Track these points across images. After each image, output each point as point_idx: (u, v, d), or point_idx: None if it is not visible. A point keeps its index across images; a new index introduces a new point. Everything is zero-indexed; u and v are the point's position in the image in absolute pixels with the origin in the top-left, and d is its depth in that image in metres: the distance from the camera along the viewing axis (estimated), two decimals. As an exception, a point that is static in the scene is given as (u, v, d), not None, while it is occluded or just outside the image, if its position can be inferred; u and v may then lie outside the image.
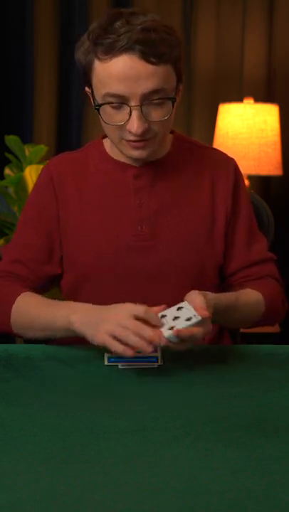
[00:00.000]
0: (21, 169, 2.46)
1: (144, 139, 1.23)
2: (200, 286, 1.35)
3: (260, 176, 2.71)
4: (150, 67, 1.18)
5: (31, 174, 2.34)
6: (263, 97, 2.80)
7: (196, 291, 1.15)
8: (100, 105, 1.23)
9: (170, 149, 1.37)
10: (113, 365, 1.13)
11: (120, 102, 1.20)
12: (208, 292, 1.17)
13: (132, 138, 1.23)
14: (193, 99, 2.82)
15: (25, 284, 1.33)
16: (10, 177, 2.43)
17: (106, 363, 1.13)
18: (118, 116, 1.22)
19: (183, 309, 1.11)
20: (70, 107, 2.83)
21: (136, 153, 1.27)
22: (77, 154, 1.42)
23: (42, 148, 2.48)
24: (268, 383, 1.06)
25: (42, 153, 2.48)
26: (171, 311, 1.12)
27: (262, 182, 2.86)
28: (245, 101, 2.62)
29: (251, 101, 2.62)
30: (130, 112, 1.20)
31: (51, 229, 1.36)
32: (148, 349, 1.05)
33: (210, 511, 0.68)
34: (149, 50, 1.17)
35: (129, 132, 1.22)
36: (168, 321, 1.09)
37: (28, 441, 0.84)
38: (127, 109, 1.21)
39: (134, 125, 1.20)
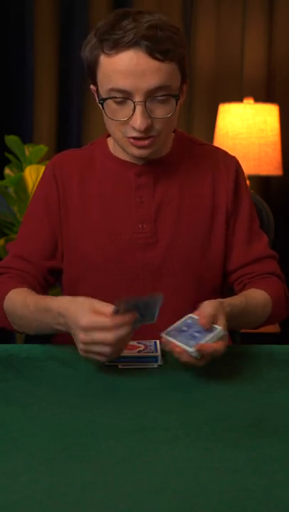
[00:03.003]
0: (21, 169, 2.47)
1: (146, 136, 1.23)
2: (201, 283, 1.35)
3: (260, 176, 2.71)
4: (155, 63, 1.18)
5: (31, 174, 2.35)
6: (263, 97, 2.80)
7: (211, 302, 1.13)
8: (105, 99, 1.23)
9: (172, 148, 1.37)
10: (113, 365, 1.13)
11: (124, 97, 1.20)
12: (223, 300, 1.16)
13: (134, 134, 1.23)
14: (193, 99, 2.82)
15: (25, 280, 1.33)
16: (10, 177, 2.43)
17: (106, 362, 1.13)
18: (122, 112, 1.22)
19: (192, 322, 1.10)
20: (70, 107, 2.83)
21: (138, 152, 1.27)
22: (81, 152, 1.43)
23: (42, 148, 2.49)
24: (268, 383, 1.06)
25: (42, 153, 2.49)
26: (178, 326, 1.11)
27: (262, 182, 2.86)
28: (245, 101, 2.62)
29: (251, 101, 2.62)
30: (134, 107, 1.20)
31: (55, 223, 1.37)
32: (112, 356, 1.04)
33: (210, 511, 0.68)
34: (155, 47, 1.17)
35: (132, 128, 1.22)
36: (178, 334, 1.08)
37: (28, 441, 0.84)
38: (130, 105, 1.21)
39: (138, 121, 1.20)
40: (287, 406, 0.97)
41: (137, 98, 1.19)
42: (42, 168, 2.35)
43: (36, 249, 1.36)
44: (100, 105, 1.26)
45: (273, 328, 2.30)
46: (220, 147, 1.48)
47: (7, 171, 2.51)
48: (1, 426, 0.88)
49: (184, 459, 0.79)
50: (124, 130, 1.24)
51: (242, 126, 2.54)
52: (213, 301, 1.13)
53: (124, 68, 1.18)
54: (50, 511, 0.68)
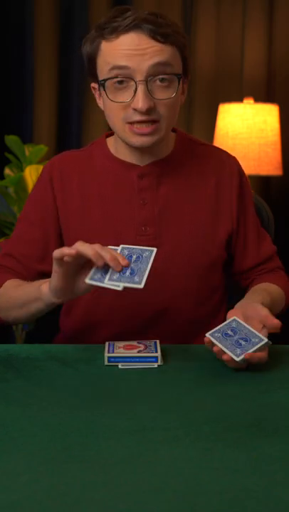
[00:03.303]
0: (21, 169, 2.47)
1: (149, 119, 1.22)
2: (204, 284, 1.36)
3: (260, 176, 2.71)
4: (157, 44, 1.19)
5: (31, 174, 2.34)
6: (263, 97, 2.80)
7: (258, 304, 1.17)
8: (106, 80, 1.21)
9: (173, 148, 1.37)
10: (113, 365, 1.13)
11: (125, 76, 1.20)
12: (259, 301, 1.20)
13: (137, 118, 1.21)
14: (193, 99, 2.82)
15: (15, 278, 1.34)
16: (10, 177, 2.43)
17: (106, 363, 1.13)
18: (123, 95, 1.21)
19: (237, 327, 1.12)
20: (70, 107, 2.83)
21: (140, 140, 1.24)
22: (81, 153, 1.42)
23: (42, 148, 2.49)
24: (268, 383, 1.06)
25: (42, 153, 2.48)
26: (223, 328, 1.12)
27: (262, 182, 2.86)
28: (245, 101, 2.62)
29: (251, 101, 2.62)
30: (136, 88, 1.19)
31: (48, 226, 1.37)
32: (120, 264, 1.07)
33: (210, 511, 0.68)
34: (156, 29, 1.18)
35: (134, 111, 1.21)
36: (225, 340, 1.10)
37: (28, 441, 0.84)
38: (132, 87, 1.20)
39: (140, 101, 1.19)
40: (287, 406, 0.97)
41: (139, 77, 1.19)
42: (42, 168, 2.35)
43: (27, 252, 1.36)
44: (100, 91, 1.24)
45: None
46: (220, 148, 1.48)
47: (7, 171, 2.51)
48: (1, 426, 0.88)
49: (184, 459, 0.79)
50: (124, 116, 1.23)
51: (242, 126, 2.54)
52: (256, 303, 1.17)
53: (125, 48, 1.18)
54: (50, 511, 0.68)
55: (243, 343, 1.08)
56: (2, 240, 2.28)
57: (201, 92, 2.82)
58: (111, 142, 1.38)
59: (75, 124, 2.83)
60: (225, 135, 2.58)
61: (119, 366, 1.12)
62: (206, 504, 0.69)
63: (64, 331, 1.44)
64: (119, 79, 1.20)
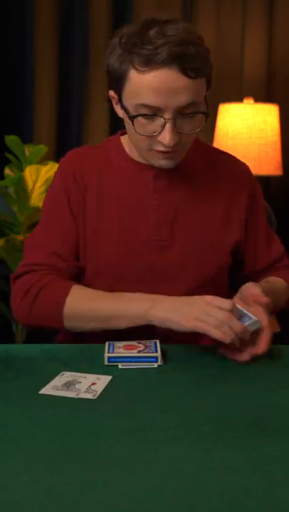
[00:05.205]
0: (21, 169, 2.47)
1: (173, 150, 1.25)
2: (211, 286, 1.37)
3: (260, 176, 2.71)
4: (188, 81, 1.19)
5: (31, 174, 2.35)
6: (263, 97, 2.80)
7: (251, 284, 1.23)
8: (135, 116, 1.23)
9: (188, 153, 1.36)
10: (113, 365, 1.13)
11: (153, 113, 1.21)
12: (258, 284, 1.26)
13: (162, 149, 1.25)
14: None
15: (65, 278, 1.31)
16: (10, 177, 2.43)
17: (106, 363, 1.13)
18: (151, 127, 1.23)
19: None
20: (70, 107, 2.83)
21: (163, 163, 1.29)
22: (96, 150, 1.42)
23: (42, 148, 2.49)
24: (268, 383, 1.06)
25: (42, 153, 2.49)
26: None
27: (262, 182, 2.86)
28: (245, 101, 2.62)
29: (251, 101, 2.62)
30: (164, 123, 1.21)
31: (75, 219, 1.35)
32: (237, 343, 1.11)
33: (210, 511, 0.68)
34: (188, 65, 1.17)
35: (160, 143, 1.24)
36: None
37: (28, 441, 0.84)
38: (160, 121, 1.21)
39: (167, 137, 1.22)
40: (287, 406, 0.97)
41: (167, 115, 1.20)
42: (42, 168, 2.35)
43: (68, 249, 1.34)
44: (129, 121, 1.25)
45: (273, 328, 2.29)
46: (219, 148, 1.49)
47: (7, 171, 2.51)
48: (1, 426, 0.88)
49: (184, 459, 0.79)
50: (150, 144, 1.26)
51: (242, 126, 2.54)
52: (250, 283, 1.24)
53: (156, 86, 1.18)
54: (50, 511, 0.68)
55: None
56: (2, 240, 2.28)
57: (201, 92, 2.82)
58: (125, 141, 1.39)
59: (75, 124, 2.83)
60: (225, 135, 2.58)
61: (119, 366, 1.12)
62: (206, 504, 0.69)
63: (64, 330, 1.44)
64: (147, 115, 1.21)
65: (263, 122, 2.55)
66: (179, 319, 1.14)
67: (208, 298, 1.14)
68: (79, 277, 1.37)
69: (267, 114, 2.56)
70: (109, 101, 1.33)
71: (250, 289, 1.22)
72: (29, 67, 2.78)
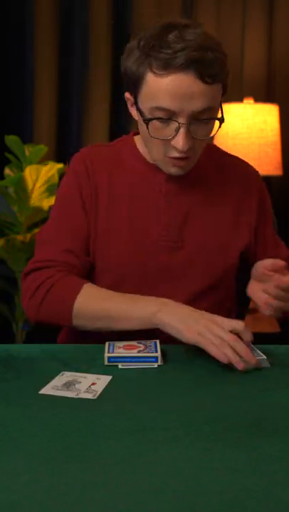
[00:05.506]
0: (21, 169, 2.47)
1: (186, 156, 1.25)
2: (219, 286, 1.38)
3: (260, 176, 2.71)
4: (204, 87, 1.19)
5: (31, 174, 2.35)
6: (263, 97, 2.80)
7: (259, 262, 1.25)
8: (150, 120, 1.23)
9: (200, 157, 1.36)
10: (113, 365, 1.13)
11: (168, 117, 1.21)
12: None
13: (175, 154, 1.25)
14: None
15: (79, 276, 1.31)
16: (10, 177, 2.44)
17: (106, 363, 1.13)
18: (165, 131, 1.23)
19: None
20: (70, 107, 2.83)
21: (175, 170, 1.30)
22: (108, 149, 1.42)
23: (42, 148, 2.49)
24: (268, 383, 1.06)
25: (42, 153, 2.49)
26: None
27: (262, 182, 2.86)
28: (245, 101, 2.62)
29: (251, 101, 2.62)
30: (178, 128, 1.21)
31: (87, 216, 1.35)
32: (240, 366, 1.09)
33: (210, 511, 0.68)
34: (205, 71, 1.18)
35: (174, 148, 1.24)
36: None
37: (28, 441, 0.84)
38: (174, 125, 1.22)
39: (181, 142, 1.22)
40: (287, 406, 0.97)
41: (182, 119, 1.20)
42: (42, 168, 2.35)
43: (81, 246, 1.34)
44: (143, 123, 1.25)
45: (273, 328, 2.30)
46: (244, 160, 1.51)
47: (7, 171, 2.51)
48: (1, 426, 0.88)
49: (184, 459, 0.79)
50: (164, 150, 1.26)
51: (242, 126, 2.54)
52: (259, 261, 1.24)
53: (173, 90, 1.18)
54: (50, 511, 0.68)
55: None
56: (2, 240, 2.28)
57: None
58: (139, 141, 1.39)
59: (75, 124, 2.83)
60: (225, 135, 2.58)
61: (119, 366, 1.12)
62: (206, 504, 0.69)
63: (64, 330, 1.44)
64: (162, 118, 1.21)
65: (263, 122, 2.55)
66: (182, 328, 1.14)
67: (218, 319, 1.15)
68: (91, 273, 1.37)
69: (267, 114, 2.56)
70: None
71: (263, 262, 1.23)
72: (29, 67, 2.78)
